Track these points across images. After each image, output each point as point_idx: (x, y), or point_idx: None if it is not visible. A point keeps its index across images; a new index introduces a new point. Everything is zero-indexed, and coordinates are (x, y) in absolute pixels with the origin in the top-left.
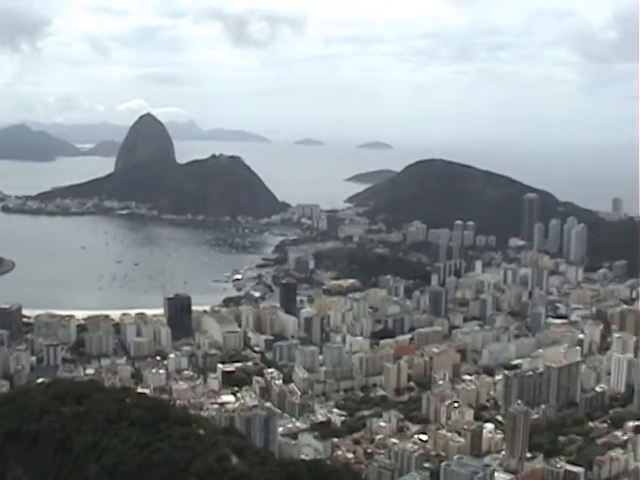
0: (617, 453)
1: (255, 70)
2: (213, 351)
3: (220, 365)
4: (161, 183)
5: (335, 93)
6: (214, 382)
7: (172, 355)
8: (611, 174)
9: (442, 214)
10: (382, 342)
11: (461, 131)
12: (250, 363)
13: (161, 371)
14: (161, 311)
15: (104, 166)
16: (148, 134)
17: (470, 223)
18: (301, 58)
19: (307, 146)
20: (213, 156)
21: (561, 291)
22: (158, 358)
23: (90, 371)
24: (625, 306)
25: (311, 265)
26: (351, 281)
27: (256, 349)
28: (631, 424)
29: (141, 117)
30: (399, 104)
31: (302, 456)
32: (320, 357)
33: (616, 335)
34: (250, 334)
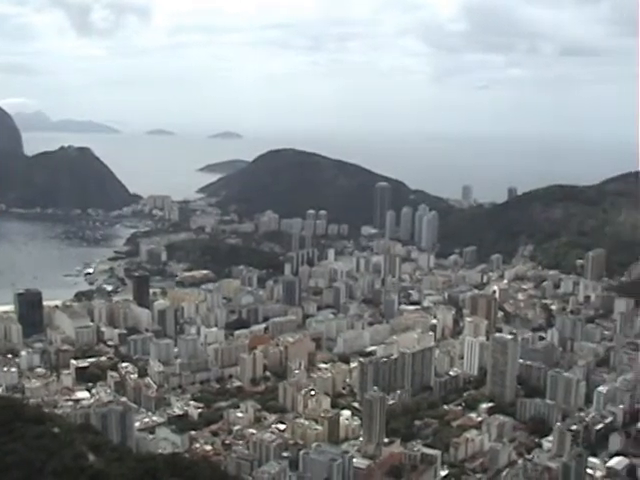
0: (472, 434)
1: (103, 60)
2: (66, 347)
3: (73, 361)
4: (8, 176)
5: (186, 83)
6: (68, 378)
7: (24, 352)
8: (461, 162)
9: (294, 203)
10: (237, 333)
11: (313, 121)
12: (104, 358)
13: (13, 369)
14: (11, 307)
15: None
16: None
17: (322, 212)
18: (150, 47)
19: (158, 136)
20: (62, 148)
21: (413, 278)
22: (9, 356)
23: None
24: (476, 291)
25: (163, 257)
26: (204, 272)
27: (110, 343)
28: (485, 406)
29: None
30: (251, 94)
31: (160, 450)
32: (175, 349)
33: (468, 319)
34: (103, 328)
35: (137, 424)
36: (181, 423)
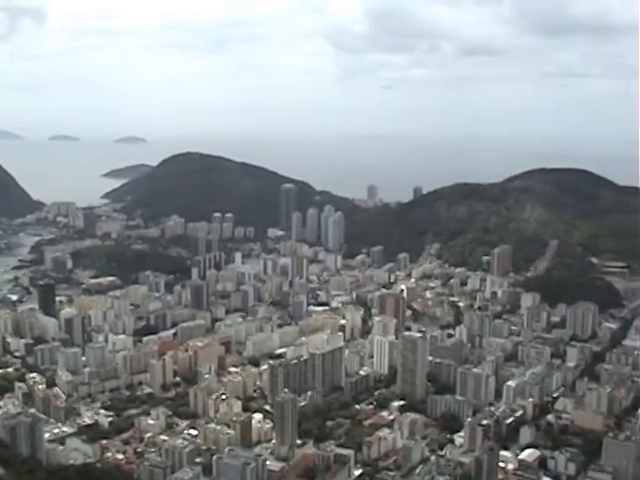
0: (384, 433)
1: (1, 64)
2: None
3: None
4: None
5: (90, 87)
6: None
7: None
8: (366, 162)
9: (200, 207)
10: (145, 339)
11: (218, 123)
12: (11, 369)
13: None
14: None
15: None
16: None
17: (228, 215)
18: (50, 51)
19: (62, 142)
20: None
21: (321, 279)
22: None
23: None
24: (384, 290)
25: (69, 264)
26: (111, 279)
27: (16, 354)
28: (396, 404)
29: None
30: (155, 97)
31: (71, 461)
32: (83, 358)
33: (377, 319)
34: (9, 339)
35: (47, 435)
36: (92, 432)
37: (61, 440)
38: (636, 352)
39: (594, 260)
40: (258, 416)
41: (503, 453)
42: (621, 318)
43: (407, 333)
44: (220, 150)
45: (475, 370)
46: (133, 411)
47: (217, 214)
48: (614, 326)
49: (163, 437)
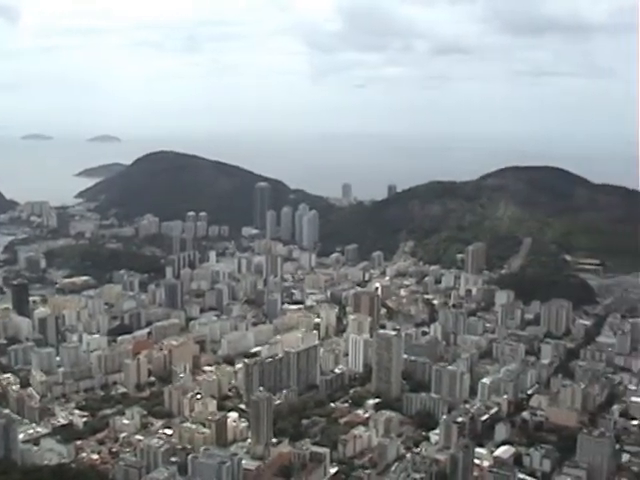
0: (360, 431)
1: None
2: None
3: None
4: None
5: (64, 86)
6: None
7: None
8: (340, 161)
9: (174, 206)
10: (120, 338)
11: (192, 122)
12: None
13: None
14: None
15: None
16: None
17: (202, 214)
18: (24, 50)
19: (35, 141)
20: None
21: (295, 277)
22: None
23: None
24: (358, 288)
25: (43, 264)
26: (85, 278)
27: None
28: (371, 402)
29: None
30: (130, 96)
31: (46, 462)
32: (57, 358)
33: (351, 317)
34: None
35: (21, 436)
36: (66, 433)
37: (35, 441)
38: (610, 349)
39: (568, 257)
40: (233, 415)
41: (478, 450)
42: (595, 315)
43: (382, 331)
44: (194, 149)
45: (450, 368)
46: (108, 411)
47: (191, 213)
48: (588, 323)
49: (138, 437)
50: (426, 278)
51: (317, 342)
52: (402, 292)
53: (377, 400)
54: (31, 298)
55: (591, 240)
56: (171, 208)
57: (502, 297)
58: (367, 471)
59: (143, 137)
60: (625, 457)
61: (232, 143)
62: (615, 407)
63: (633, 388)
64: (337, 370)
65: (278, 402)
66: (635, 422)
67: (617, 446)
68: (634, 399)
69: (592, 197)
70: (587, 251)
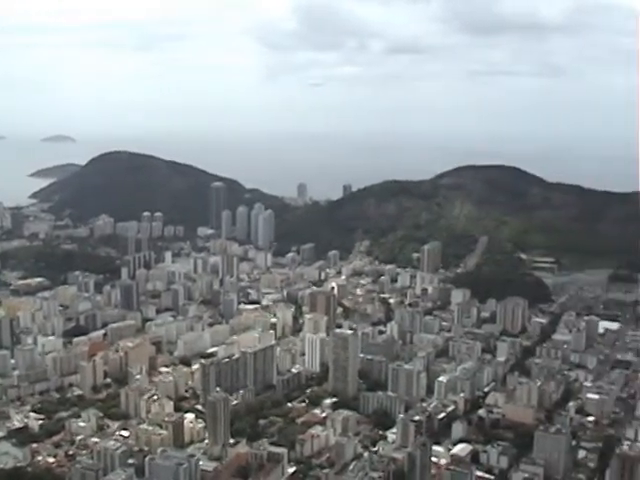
0: (317, 430)
1: None
2: None
3: None
4: None
5: (17, 85)
6: None
7: None
8: (296, 160)
9: (129, 206)
10: (75, 340)
11: (148, 122)
12: None
13: None
14: None
15: None
16: None
17: (158, 214)
18: None
19: None
20: None
21: (251, 277)
22: None
23: None
24: (314, 288)
25: None
26: (39, 280)
27: None
28: (328, 401)
29: None
30: (85, 96)
31: (1, 465)
32: (12, 361)
33: (307, 316)
34: None
35: None
36: (22, 436)
37: None
38: (565, 346)
39: (523, 256)
40: (190, 416)
41: (435, 448)
42: (550, 313)
43: (338, 330)
44: (150, 149)
45: (406, 366)
46: (64, 413)
47: (146, 213)
48: (543, 321)
49: (94, 439)
50: (382, 277)
51: (274, 342)
52: (358, 291)
53: (334, 399)
54: None
55: (546, 238)
56: (126, 208)
57: (458, 296)
58: (325, 470)
59: (98, 137)
60: (581, 453)
61: (188, 143)
62: (571, 404)
63: (588, 385)
64: (294, 370)
65: (235, 402)
66: (591, 418)
67: (573, 442)
68: (589, 396)
69: (547, 196)
70: (542, 249)
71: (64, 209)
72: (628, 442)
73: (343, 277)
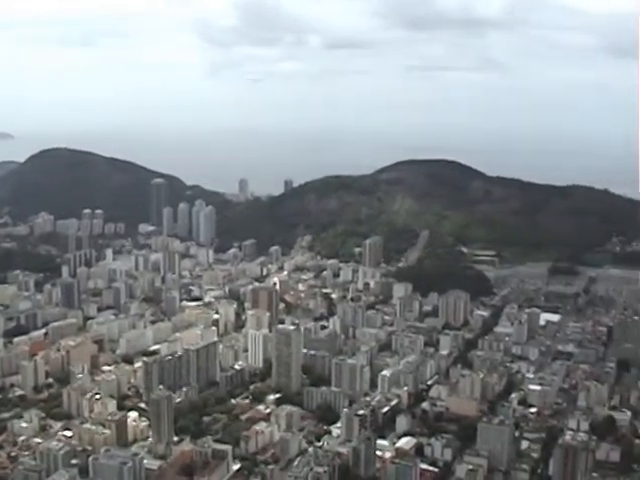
0: (261, 426)
1: None
2: None
3: None
4: None
5: None
6: None
7: None
8: (237, 156)
9: (69, 204)
10: (16, 340)
11: (89, 119)
12: None
13: None
14: None
15: None
16: None
17: (98, 211)
18: None
19: None
20: None
21: (193, 274)
22: None
23: None
24: (257, 284)
25: None
26: None
27: None
28: (272, 397)
29: None
30: (23, 92)
31: None
32: None
33: (250, 312)
34: None
35: None
36: None
37: None
38: (507, 338)
39: (464, 249)
40: (133, 414)
41: (380, 442)
42: (492, 306)
43: (281, 326)
44: (90, 145)
45: (350, 361)
46: (5, 414)
47: (87, 210)
48: (485, 314)
49: (37, 440)
50: (324, 272)
51: (216, 338)
52: (300, 286)
53: (278, 395)
54: None
55: (487, 232)
56: (66, 206)
57: (400, 290)
58: (270, 466)
59: (37, 134)
60: (524, 444)
61: (128, 139)
62: (513, 395)
63: (530, 376)
64: (237, 366)
65: (178, 400)
66: (533, 409)
67: (516, 433)
68: (532, 387)
69: (487, 189)
70: (483, 243)
71: (2, 207)
72: (570, 432)
73: (285, 273)
